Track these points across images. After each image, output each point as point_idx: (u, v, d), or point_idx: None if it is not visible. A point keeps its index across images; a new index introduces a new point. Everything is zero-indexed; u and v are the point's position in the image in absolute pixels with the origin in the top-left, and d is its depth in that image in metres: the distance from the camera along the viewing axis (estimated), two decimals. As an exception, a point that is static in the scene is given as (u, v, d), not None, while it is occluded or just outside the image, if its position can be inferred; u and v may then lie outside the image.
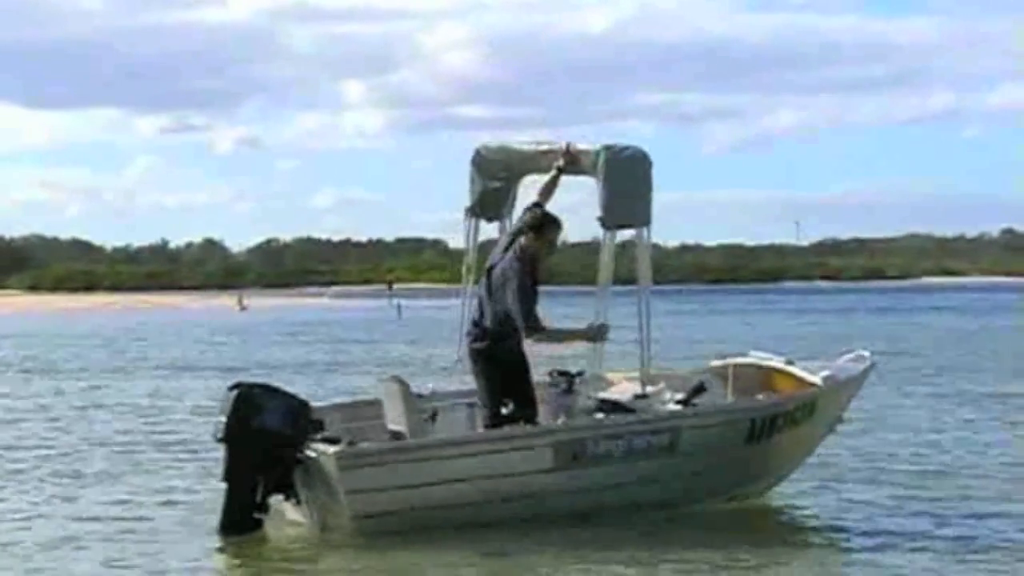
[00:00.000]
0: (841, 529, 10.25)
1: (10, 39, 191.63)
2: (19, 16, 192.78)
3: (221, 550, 9.70)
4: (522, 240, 10.23)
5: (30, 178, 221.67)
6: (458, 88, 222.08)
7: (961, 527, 10.14)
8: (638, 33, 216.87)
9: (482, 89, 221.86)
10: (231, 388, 9.97)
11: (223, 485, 9.85)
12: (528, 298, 10.02)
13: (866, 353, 11.25)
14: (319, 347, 34.64)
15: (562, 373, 11.01)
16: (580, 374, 10.91)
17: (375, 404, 10.68)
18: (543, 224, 10.27)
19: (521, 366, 10.18)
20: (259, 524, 9.87)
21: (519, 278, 10.07)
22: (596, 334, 10.13)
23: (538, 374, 10.66)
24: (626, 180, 10.22)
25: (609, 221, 10.24)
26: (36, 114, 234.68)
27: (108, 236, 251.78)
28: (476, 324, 10.31)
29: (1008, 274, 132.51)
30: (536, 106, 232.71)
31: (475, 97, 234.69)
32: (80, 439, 15.69)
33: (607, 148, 10.23)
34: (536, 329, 10.01)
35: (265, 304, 79.66)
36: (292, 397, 9.99)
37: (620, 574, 8.97)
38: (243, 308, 72.14)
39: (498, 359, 10.14)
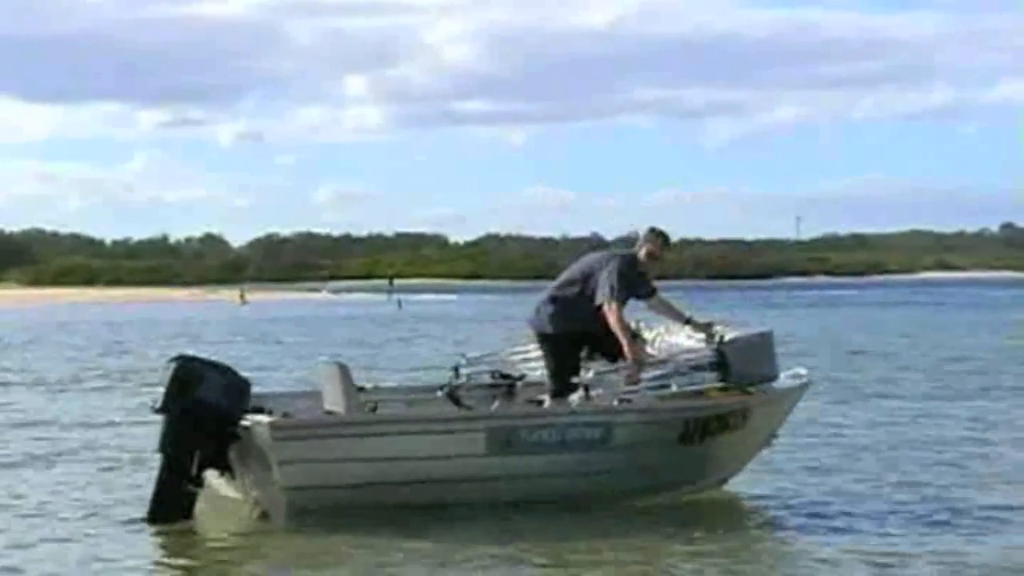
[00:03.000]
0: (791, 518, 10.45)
1: (10, 32, 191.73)
2: (19, 9, 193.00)
3: (156, 543, 9.60)
4: (637, 250, 10.85)
5: (30, 172, 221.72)
6: (459, 83, 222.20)
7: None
8: (639, 28, 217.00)
9: (483, 84, 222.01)
10: (171, 360, 10.05)
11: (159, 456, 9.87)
12: (623, 284, 10.50)
13: (803, 371, 11.40)
14: (325, 343, 34.23)
15: (504, 376, 11.27)
16: (522, 378, 11.25)
17: (316, 394, 10.85)
18: (649, 236, 10.89)
19: (564, 346, 10.61)
20: (191, 504, 9.83)
21: (622, 265, 10.62)
22: (637, 363, 10.42)
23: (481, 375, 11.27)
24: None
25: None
26: (36, 108, 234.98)
27: (108, 230, 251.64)
28: (537, 310, 10.83)
29: (1008, 269, 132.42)
30: (537, 101, 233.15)
31: (476, 92, 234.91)
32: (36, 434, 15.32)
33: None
34: (614, 304, 10.42)
35: (266, 299, 79.37)
36: (231, 373, 10.02)
37: (598, 561, 9.01)
38: (244, 302, 72.48)
39: (549, 336, 10.70)
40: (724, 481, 11.12)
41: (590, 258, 10.91)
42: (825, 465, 12.68)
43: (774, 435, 11.20)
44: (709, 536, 9.66)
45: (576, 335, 10.71)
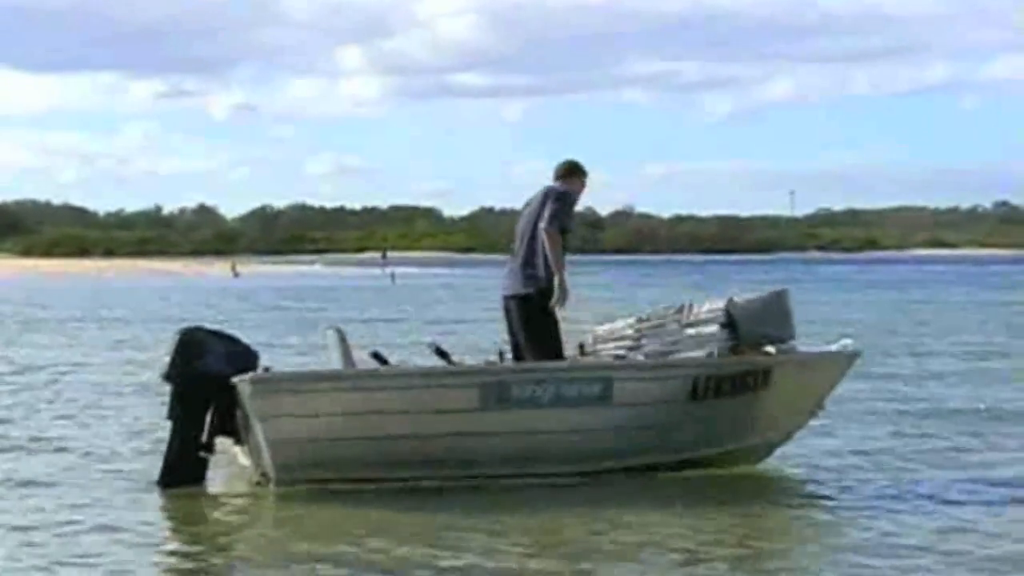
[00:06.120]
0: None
1: (4, 2, 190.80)
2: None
3: (162, 507, 9.78)
4: (556, 185, 10.68)
5: (24, 142, 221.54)
6: (455, 55, 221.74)
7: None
8: (636, 2, 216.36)
9: (479, 57, 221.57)
10: (177, 331, 10.24)
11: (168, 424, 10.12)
12: (565, 212, 10.39)
13: (849, 341, 11.05)
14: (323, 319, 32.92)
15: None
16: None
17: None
18: (572, 171, 10.77)
19: (539, 314, 10.37)
20: (202, 470, 10.07)
21: (563, 195, 10.50)
22: (561, 291, 10.26)
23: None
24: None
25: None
26: (30, 77, 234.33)
27: (102, 201, 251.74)
28: (512, 274, 10.61)
29: (1002, 247, 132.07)
30: (533, 74, 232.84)
31: (472, 65, 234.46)
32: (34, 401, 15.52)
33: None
34: (553, 228, 10.27)
35: (259, 271, 79.05)
36: (237, 343, 10.18)
37: (621, 539, 8.76)
38: (236, 275, 72.28)
39: (531, 296, 10.41)
40: (762, 450, 10.78)
41: (529, 209, 10.64)
42: (861, 439, 12.50)
43: (819, 406, 10.88)
44: (724, 509, 9.51)
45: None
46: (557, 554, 8.45)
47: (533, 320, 10.39)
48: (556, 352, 10.35)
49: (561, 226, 10.35)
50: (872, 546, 8.50)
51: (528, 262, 10.45)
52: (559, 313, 10.37)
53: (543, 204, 10.44)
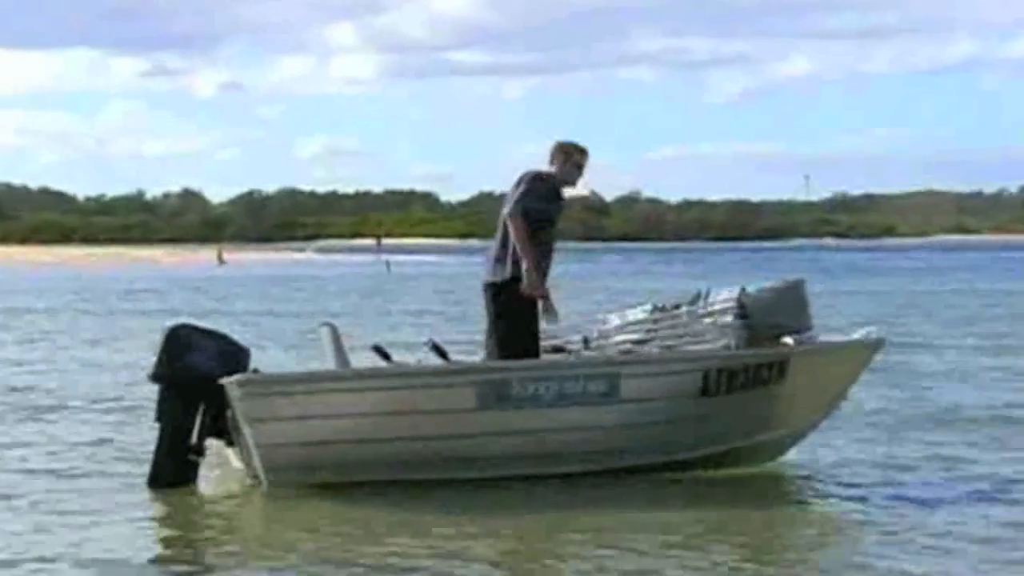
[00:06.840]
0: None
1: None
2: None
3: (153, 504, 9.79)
4: (534, 170, 10.56)
5: (0, 123, 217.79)
6: (453, 32, 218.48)
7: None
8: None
9: (478, 33, 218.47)
10: (165, 328, 10.24)
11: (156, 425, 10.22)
12: (530, 198, 10.19)
13: (873, 329, 10.84)
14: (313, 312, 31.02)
15: (558, 349, 10.88)
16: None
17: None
18: (557, 150, 10.53)
19: (507, 304, 10.24)
20: (193, 472, 10.05)
21: (531, 179, 10.34)
22: (530, 278, 10.10)
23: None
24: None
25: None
26: (4, 54, 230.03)
27: (81, 185, 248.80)
28: (496, 260, 10.42)
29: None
30: (536, 52, 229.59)
31: (471, 42, 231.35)
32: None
33: None
34: (518, 215, 10.07)
35: (246, 258, 79.06)
36: (227, 340, 10.21)
37: (631, 538, 8.64)
38: (222, 262, 72.03)
39: (490, 297, 10.36)
40: (776, 447, 10.60)
41: (507, 195, 10.59)
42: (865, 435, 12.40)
43: (842, 397, 10.78)
44: (726, 512, 9.40)
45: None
46: (555, 557, 8.40)
47: (500, 309, 10.33)
48: (523, 346, 10.20)
49: (525, 210, 10.20)
50: (873, 549, 8.41)
51: (500, 250, 10.42)
52: (542, 302, 10.41)
53: (515, 189, 10.45)
